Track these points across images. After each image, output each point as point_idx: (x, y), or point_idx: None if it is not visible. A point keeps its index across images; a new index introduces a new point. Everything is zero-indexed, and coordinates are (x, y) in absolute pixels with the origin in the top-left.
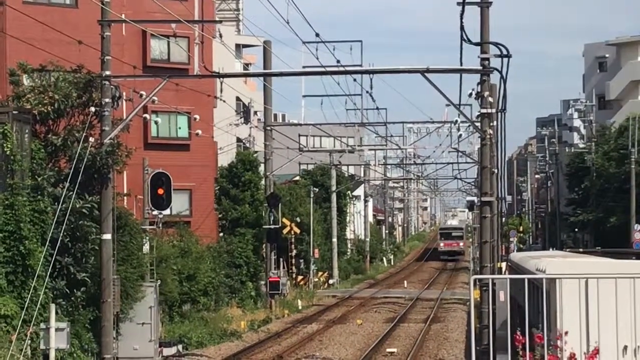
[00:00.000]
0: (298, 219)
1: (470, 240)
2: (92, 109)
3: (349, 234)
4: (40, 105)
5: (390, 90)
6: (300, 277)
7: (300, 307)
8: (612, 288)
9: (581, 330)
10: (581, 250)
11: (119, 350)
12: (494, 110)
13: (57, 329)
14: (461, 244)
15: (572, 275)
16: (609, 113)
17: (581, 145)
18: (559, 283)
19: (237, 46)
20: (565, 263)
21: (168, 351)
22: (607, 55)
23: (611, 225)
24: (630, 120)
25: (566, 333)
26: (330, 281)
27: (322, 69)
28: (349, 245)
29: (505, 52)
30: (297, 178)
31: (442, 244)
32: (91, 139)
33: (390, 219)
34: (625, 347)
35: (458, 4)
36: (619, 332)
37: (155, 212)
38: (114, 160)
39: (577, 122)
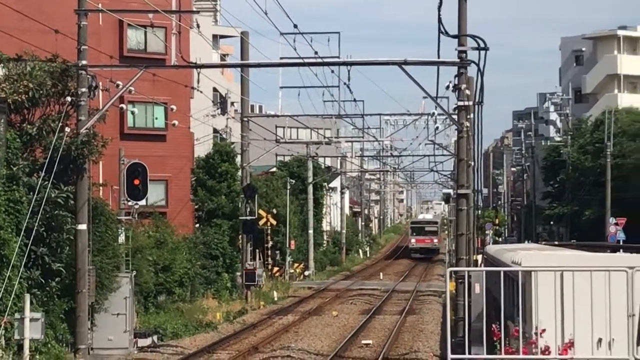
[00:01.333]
0: (274, 211)
1: (447, 233)
2: (68, 98)
3: (325, 226)
4: (15, 94)
5: (367, 82)
6: (276, 269)
7: (275, 299)
8: (587, 281)
9: (556, 323)
10: (556, 243)
11: (93, 340)
12: (470, 103)
13: (31, 319)
14: (435, 240)
15: (547, 268)
16: (585, 107)
17: (557, 139)
18: (535, 275)
19: (215, 37)
20: (541, 256)
21: (143, 342)
22: (583, 49)
23: (586, 218)
24: (606, 114)
25: (544, 330)
26: (306, 273)
27: (300, 61)
28: (325, 237)
29: (482, 45)
30: (274, 169)
31: (413, 240)
32: (67, 129)
33: (366, 211)
34: (600, 340)
35: None
36: (593, 324)
37: (131, 203)
38: (89, 150)
39: (554, 116)
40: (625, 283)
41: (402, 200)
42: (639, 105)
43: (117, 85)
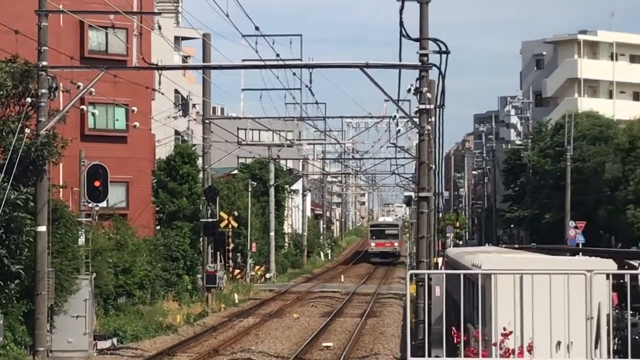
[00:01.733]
0: (236, 213)
1: (408, 235)
2: (29, 99)
3: (287, 228)
4: None
5: (329, 85)
6: (237, 271)
7: (236, 301)
8: (547, 284)
9: (515, 326)
10: (516, 246)
11: (52, 343)
12: (432, 106)
13: None
14: (396, 244)
15: (507, 271)
16: (545, 110)
17: (518, 142)
18: (494, 278)
19: (176, 38)
20: (501, 259)
21: (103, 344)
22: (544, 53)
23: (546, 221)
24: (566, 118)
25: (511, 332)
26: (267, 275)
27: (262, 63)
28: (286, 240)
29: (443, 49)
30: (236, 172)
31: (372, 244)
32: (27, 130)
33: (328, 214)
34: (559, 343)
35: (397, 0)
36: (552, 327)
37: (92, 205)
38: (49, 151)
39: (514, 119)
40: (584, 286)
41: (363, 203)
42: (598, 109)
43: (78, 87)
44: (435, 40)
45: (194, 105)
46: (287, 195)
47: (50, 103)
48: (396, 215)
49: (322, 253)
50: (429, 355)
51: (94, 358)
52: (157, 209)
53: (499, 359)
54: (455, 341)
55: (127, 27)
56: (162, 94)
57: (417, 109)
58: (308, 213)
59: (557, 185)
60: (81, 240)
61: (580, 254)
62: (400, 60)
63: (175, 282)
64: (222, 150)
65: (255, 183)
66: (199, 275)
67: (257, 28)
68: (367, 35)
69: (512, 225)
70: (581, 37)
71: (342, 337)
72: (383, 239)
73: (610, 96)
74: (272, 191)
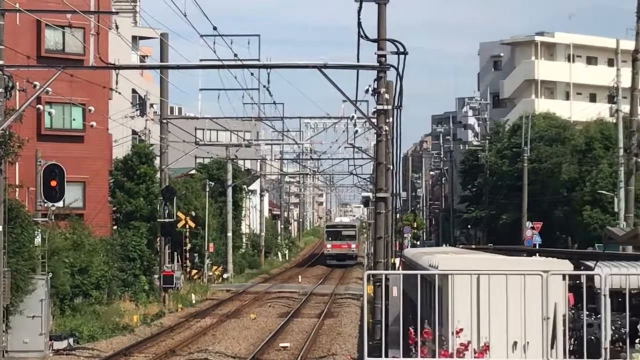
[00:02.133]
0: (193, 213)
1: (365, 236)
2: None
3: (245, 229)
4: None
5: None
6: (194, 271)
7: (194, 301)
8: (503, 284)
9: (472, 326)
10: (474, 246)
11: (8, 343)
12: (390, 107)
13: None
14: (353, 245)
15: (464, 271)
16: (503, 111)
17: (475, 143)
18: (451, 279)
19: (134, 38)
20: (458, 259)
21: (59, 345)
22: (501, 55)
23: (503, 222)
24: (524, 119)
25: (461, 330)
26: (225, 275)
27: (220, 63)
28: (244, 240)
29: (401, 49)
30: (193, 172)
31: (329, 246)
32: None
33: (285, 214)
34: (515, 343)
35: (356, 0)
36: (509, 328)
37: (48, 204)
38: (5, 151)
39: (472, 120)
40: (540, 287)
41: (321, 203)
42: (555, 110)
43: (35, 86)
44: (393, 41)
45: (151, 105)
46: (245, 195)
47: (6, 102)
48: (354, 216)
49: (279, 253)
50: (386, 356)
51: (50, 358)
52: (114, 209)
53: (454, 359)
54: (411, 342)
55: (84, 26)
56: (120, 93)
57: (375, 109)
58: (266, 213)
59: (514, 186)
60: (37, 240)
61: (537, 254)
62: (358, 61)
63: (132, 282)
64: (180, 151)
65: (213, 183)
66: (156, 276)
67: (215, 28)
68: (325, 36)
69: (469, 226)
70: (538, 38)
71: (300, 337)
72: (339, 241)
73: (567, 97)
74: (229, 191)
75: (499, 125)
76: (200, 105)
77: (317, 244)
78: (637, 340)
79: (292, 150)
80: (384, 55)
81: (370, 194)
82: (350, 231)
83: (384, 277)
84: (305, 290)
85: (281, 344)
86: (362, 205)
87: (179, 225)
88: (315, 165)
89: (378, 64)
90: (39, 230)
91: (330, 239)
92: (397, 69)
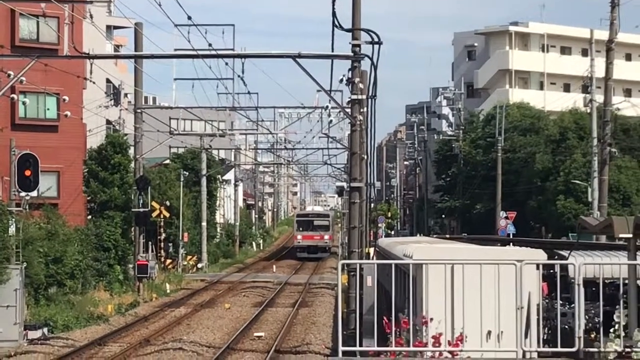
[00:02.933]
0: (168, 203)
1: (340, 226)
2: None
3: (219, 218)
4: None
5: (261, 75)
6: (169, 261)
7: (168, 291)
8: (477, 274)
9: (446, 316)
10: (448, 236)
11: None
12: (364, 97)
13: None
14: (326, 236)
15: (438, 261)
16: (477, 101)
17: (449, 133)
18: (425, 268)
19: (108, 27)
20: (432, 249)
21: (33, 334)
22: (476, 44)
23: (477, 212)
24: (498, 109)
25: (430, 319)
26: (199, 265)
27: (194, 52)
28: (218, 230)
29: (376, 39)
30: (167, 161)
31: (299, 237)
32: None
33: (260, 204)
34: (489, 332)
35: None
36: (483, 317)
37: (22, 194)
38: None
39: (446, 110)
40: (514, 276)
41: (295, 193)
42: (529, 100)
43: (9, 75)
44: (367, 31)
45: (125, 95)
46: (219, 185)
47: None
48: (327, 206)
49: (254, 243)
50: (360, 345)
51: (24, 348)
52: (88, 198)
53: (429, 347)
54: (386, 331)
55: (58, 15)
56: (94, 83)
57: (350, 99)
58: (240, 203)
59: (488, 175)
60: (11, 230)
61: (511, 244)
62: (332, 51)
63: (106, 272)
64: (154, 140)
65: (187, 173)
66: (131, 265)
67: (189, 17)
68: (300, 25)
69: (443, 216)
70: (512, 28)
71: (274, 327)
72: (311, 231)
73: (541, 87)
74: (204, 181)
75: (473, 115)
76: (174, 94)
77: (292, 233)
78: (610, 330)
79: (266, 140)
80: (359, 45)
81: (344, 184)
82: (323, 221)
83: (358, 266)
84: (280, 279)
85: (256, 334)
86: (336, 195)
87: (154, 215)
88: (289, 155)
89: (352, 54)
90: (13, 219)
91: (301, 229)
92: (371, 59)
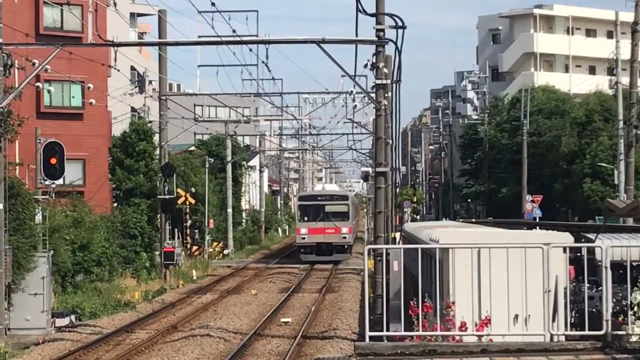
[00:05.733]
0: (193, 189)
1: (366, 211)
2: None
3: (244, 205)
4: None
5: (286, 61)
6: (195, 248)
7: (194, 278)
8: (504, 258)
9: (473, 299)
10: (474, 220)
11: (10, 321)
12: (388, 82)
13: None
14: (345, 229)
15: (464, 245)
16: (502, 85)
17: (474, 117)
18: (452, 252)
19: (132, 15)
20: (458, 233)
21: (61, 322)
22: (500, 28)
23: (503, 195)
24: (523, 92)
25: (453, 303)
26: (225, 251)
27: (218, 39)
28: (244, 216)
29: (400, 24)
30: (192, 148)
31: (303, 230)
32: None
33: (285, 190)
34: (516, 316)
35: None
36: (510, 301)
37: (48, 182)
38: (5, 129)
39: (471, 94)
40: (541, 259)
41: (321, 179)
42: (555, 83)
43: (33, 64)
44: (391, 15)
45: (150, 82)
46: (245, 171)
47: (5, 80)
48: (351, 190)
49: (279, 229)
50: (387, 330)
51: (52, 335)
52: (113, 186)
53: (455, 332)
54: (411, 314)
55: (82, 3)
56: (118, 70)
57: (374, 84)
58: (265, 189)
59: (513, 159)
60: (38, 218)
61: (538, 227)
62: (356, 36)
63: (133, 259)
64: (179, 127)
65: (212, 160)
66: (157, 252)
67: (213, 4)
68: (324, 10)
69: (469, 200)
70: (537, 11)
71: (301, 312)
72: (322, 222)
73: (566, 70)
74: (229, 167)
75: (498, 99)
76: (199, 81)
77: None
78: (630, 313)
79: (291, 125)
80: (383, 30)
81: (369, 169)
82: (339, 205)
83: (384, 251)
84: (306, 265)
85: (282, 319)
86: (361, 180)
87: (179, 201)
88: (314, 141)
89: (376, 39)
90: (40, 207)
91: (305, 218)
92: (395, 44)
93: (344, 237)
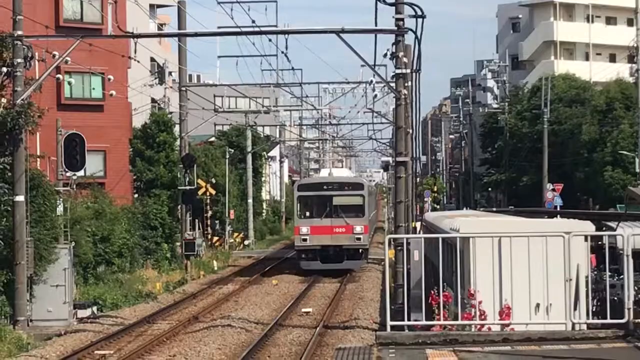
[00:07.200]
0: (213, 180)
1: (386, 200)
2: (4, 69)
3: (265, 195)
4: None
5: (305, 51)
6: (215, 238)
7: (215, 268)
8: (525, 247)
9: (494, 289)
10: (494, 209)
11: (32, 312)
12: (408, 71)
13: None
14: (359, 227)
15: (485, 234)
16: (522, 73)
17: (494, 106)
18: (473, 242)
19: (151, 6)
20: (479, 222)
21: (82, 313)
22: (520, 16)
23: (524, 184)
24: (543, 81)
25: (476, 292)
26: (246, 242)
27: (237, 30)
28: (264, 206)
29: (419, 13)
30: (213, 139)
31: (305, 230)
32: (3, 100)
33: None
34: (538, 305)
35: None
36: (531, 290)
37: (69, 174)
38: (26, 121)
39: (491, 83)
40: (562, 248)
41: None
42: (575, 71)
43: (54, 56)
44: (411, 5)
45: (170, 73)
46: (265, 162)
47: (25, 72)
48: (372, 181)
49: None
50: (409, 319)
51: (74, 327)
52: (134, 177)
53: (476, 321)
54: (433, 303)
55: None
56: (138, 62)
57: (394, 73)
58: (286, 179)
59: (534, 148)
60: (59, 210)
61: (559, 216)
62: (376, 25)
63: (154, 250)
64: (199, 118)
65: (233, 150)
66: (178, 243)
67: None
68: (343, 1)
69: (489, 189)
70: None
71: (322, 302)
72: (328, 217)
73: (587, 58)
74: (249, 158)
75: (518, 88)
76: (218, 72)
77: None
78: None
79: (311, 115)
80: (402, 19)
81: (389, 159)
82: (351, 197)
83: (405, 241)
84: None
85: (303, 309)
86: (381, 170)
87: (200, 192)
88: (334, 131)
89: (396, 28)
90: (61, 199)
91: (307, 214)
92: (415, 33)
93: (358, 239)
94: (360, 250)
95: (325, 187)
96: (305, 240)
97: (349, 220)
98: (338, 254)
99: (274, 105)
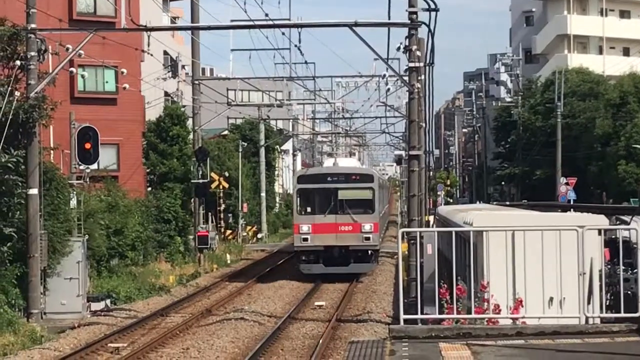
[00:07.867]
0: (226, 174)
1: (399, 194)
2: (18, 62)
3: (278, 188)
4: None
5: (318, 45)
6: (228, 232)
7: (228, 262)
8: (538, 240)
9: (507, 282)
10: (508, 203)
11: (46, 305)
12: (421, 64)
13: None
14: (368, 225)
15: (498, 228)
16: (535, 67)
17: (508, 99)
18: (486, 235)
19: (164, 0)
20: (492, 216)
21: (96, 306)
22: (533, 10)
23: (537, 178)
24: (557, 74)
25: (488, 284)
26: (259, 235)
27: (251, 23)
28: (277, 200)
29: (433, 6)
30: (226, 132)
31: (305, 228)
32: (17, 93)
33: None
34: (551, 299)
35: None
36: (545, 284)
37: (83, 167)
38: (39, 114)
39: (504, 76)
40: (576, 242)
41: None
42: (588, 65)
43: (67, 49)
44: None
45: (183, 67)
46: (278, 155)
47: (39, 66)
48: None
49: None
50: (422, 313)
51: (88, 319)
52: (147, 170)
53: (490, 314)
54: (445, 297)
55: None
56: (151, 55)
57: (407, 67)
58: None
59: (547, 141)
60: (73, 203)
61: (572, 210)
62: (389, 19)
63: (167, 243)
64: (212, 111)
65: (246, 144)
66: (191, 236)
67: None
68: None
69: (503, 183)
70: None
71: (335, 296)
72: (332, 214)
73: (600, 52)
74: (262, 151)
75: (531, 81)
76: (231, 65)
77: None
78: None
79: (324, 109)
80: (416, 13)
81: (402, 152)
82: (359, 190)
83: (418, 234)
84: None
85: (316, 303)
86: (394, 164)
87: (213, 186)
88: (347, 124)
89: (409, 21)
90: (74, 192)
91: (308, 210)
92: (428, 26)
93: (367, 238)
94: (370, 251)
95: (329, 178)
96: (306, 240)
97: (357, 217)
98: (344, 256)
99: (287, 99)
